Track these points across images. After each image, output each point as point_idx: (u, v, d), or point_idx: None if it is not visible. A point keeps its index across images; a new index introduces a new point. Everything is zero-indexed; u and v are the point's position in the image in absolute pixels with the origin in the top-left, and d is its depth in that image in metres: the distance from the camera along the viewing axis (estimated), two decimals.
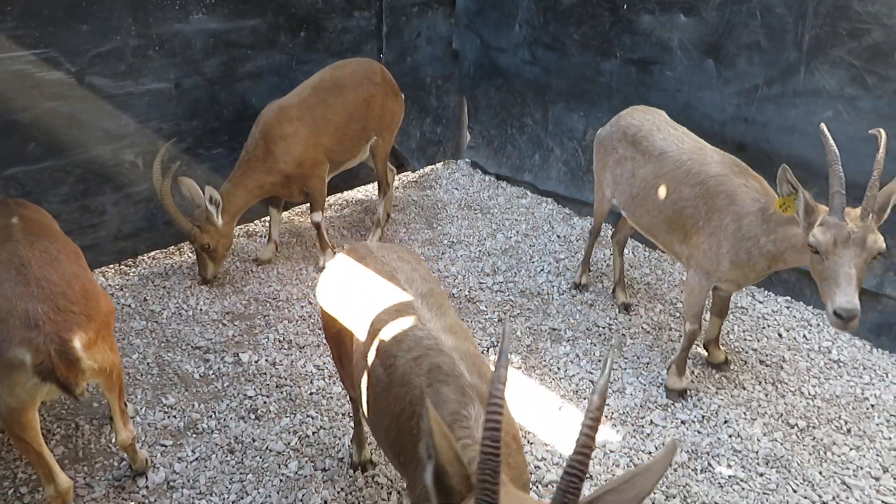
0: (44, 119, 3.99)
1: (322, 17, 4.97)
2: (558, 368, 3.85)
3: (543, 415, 3.51)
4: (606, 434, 3.40)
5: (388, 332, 2.23)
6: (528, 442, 3.33)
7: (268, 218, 4.99)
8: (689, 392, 3.66)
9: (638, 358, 3.96)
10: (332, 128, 4.53)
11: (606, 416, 3.51)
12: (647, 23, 4.66)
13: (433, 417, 1.39)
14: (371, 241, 5.03)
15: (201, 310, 4.27)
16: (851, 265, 2.73)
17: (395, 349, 2.16)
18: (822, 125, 2.91)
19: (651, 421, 3.49)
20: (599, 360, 3.92)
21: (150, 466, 3.13)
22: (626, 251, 5.05)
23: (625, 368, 3.87)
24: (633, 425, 3.47)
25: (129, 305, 4.29)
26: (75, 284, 2.67)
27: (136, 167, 4.45)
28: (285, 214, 5.50)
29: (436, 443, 1.39)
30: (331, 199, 5.78)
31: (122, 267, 4.70)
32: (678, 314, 4.35)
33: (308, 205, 5.42)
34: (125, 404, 2.95)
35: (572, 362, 3.92)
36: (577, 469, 1.32)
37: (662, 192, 3.57)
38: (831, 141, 2.78)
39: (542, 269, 4.83)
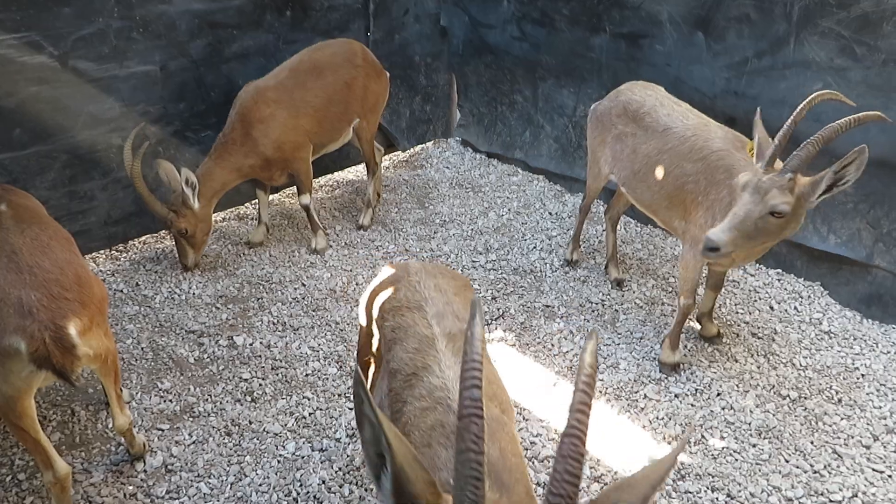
0: (28, 104, 3.94)
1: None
2: (552, 345, 3.88)
3: (538, 391, 3.54)
4: (600, 409, 3.43)
5: (401, 374, 2.04)
6: (524, 419, 3.36)
7: (256, 200, 4.96)
8: (682, 366, 3.69)
9: (631, 333, 3.98)
10: (311, 110, 4.48)
11: (600, 392, 3.54)
12: None
13: (381, 415, 1.25)
14: (363, 220, 5.02)
15: (194, 294, 4.26)
16: (743, 208, 2.83)
17: (406, 394, 1.96)
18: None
19: (644, 395, 3.52)
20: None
21: (148, 451, 3.14)
22: (618, 227, 5.06)
23: (618, 343, 3.90)
24: (626, 400, 3.50)
25: (122, 291, 4.27)
26: (68, 271, 2.65)
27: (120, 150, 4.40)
28: (276, 197, 5.47)
29: (391, 443, 1.25)
30: (321, 180, 5.75)
31: (112, 252, 4.68)
32: (671, 289, 4.37)
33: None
34: (121, 390, 2.95)
35: (566, 339, 3.94)
36: (573, 455, 1.19)
37: (665, 168, 3.57)
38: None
39: (534, 247, 4.83)
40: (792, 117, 2.91)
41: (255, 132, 4.31)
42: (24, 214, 2.97)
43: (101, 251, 4.64)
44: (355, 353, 3.63)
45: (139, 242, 4.81)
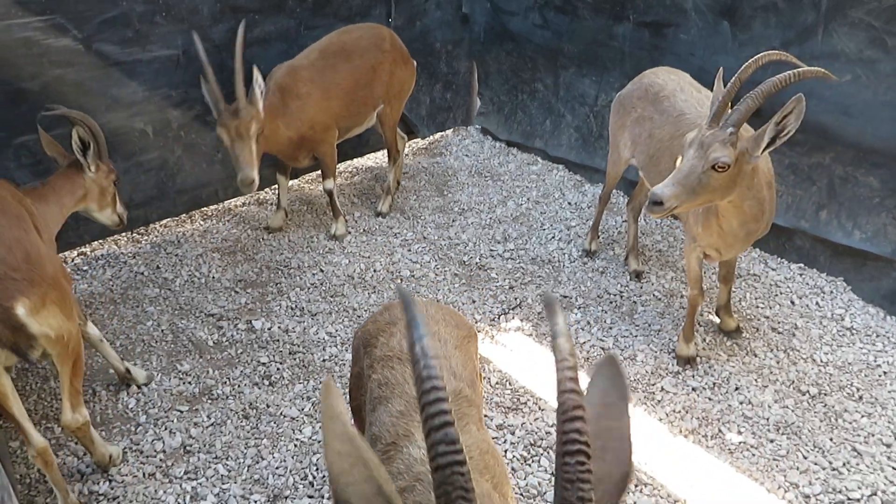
0: (52, 86, 3.97)
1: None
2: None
3: (554, 382, 3.52)
4: None
5: (381, 442, 1.78)
6: (540, 408, 3.36)
7: (276, 185, 4.98)
8: (699, 359, 3.66)
9: (649, 325, 3.96)
10: (340, 93, 4.48)
11: None
12: None
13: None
14: (382, 207, 5.02)
15: (213, 277, 4.30)
16: (687, 163, 2.84)
17: (385, 468, 1.72)
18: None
19: (662, 388, 3.50)
20: (611, 328, 3.93)
21: (116, 464, 3.00)
22: (639, 219, 5.02)
23: (636, 336, 3.87)
24: (643, 392, 3.49)
25: (143, 273, 4.32)
26: (16, 250, 2.54)
27: (146, 135, 4.43)
28: (295, 182, 5.48)
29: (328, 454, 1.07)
30: (340, 166, 5.75)
31: (134, 235, 4.72)
32: None
33: (317, 172, 5.42)
34: (80, 385, 2.78)
35: (583, 329, 3.92)
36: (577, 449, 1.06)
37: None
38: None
39: (552, 237, 4.81)
40: (737, 74, 2.92)
41: (293, 106, 4.28)
42: None
43: (123, 233, 4.68)
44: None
45: (160, 226, 4.85)
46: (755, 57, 2.91)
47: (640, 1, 4.70)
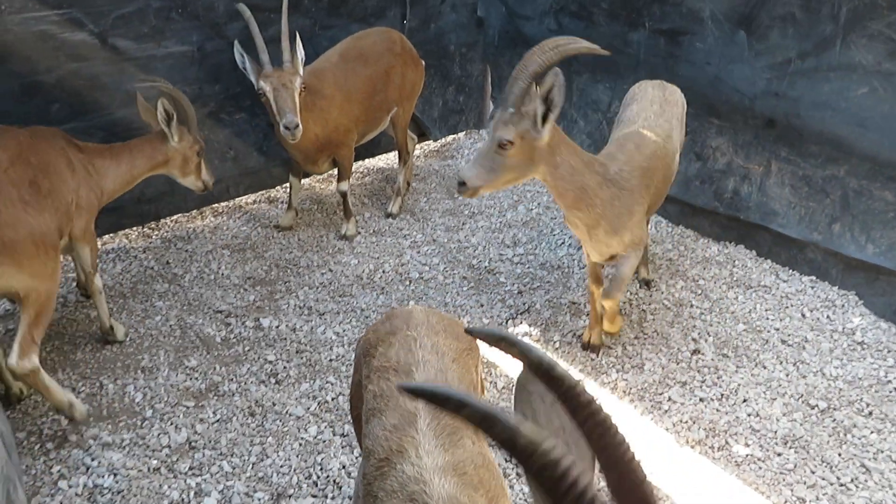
0: (67, 80, 4.00)
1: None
2: (577, 342, 3.84)
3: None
4: (623, 410, 3.40)
5: (374, 457, 1.73)
6: None
7: (288, 184, 4.98)
8: (700, 369, 3.64)
9: (657, 334, 3.94)
10: (360, 97, 4.50)
11: (623, 392, 3.51)
12: None
13: None
14: (392, 208, 5.02)
15: (223, 274, 4.30)
16: (483, 144, 3.02)
17: (378, 484, 1.64)
18: None
19: (669, 398, 3.48)
20: (619, 336, 3.91)
21: (77, 417, 3.12)
22: (650, 227, 5.01)
23: (644, 344, 3.85)
24: (650, 402, 3.46)
25: (152, 268, 4.33)
26: None
27: None
28: (306, 181, 5.49)
29: None
30: None
31: (144, 230, 4.74)
32: (700, 291, 4.31)
33: (328, 172, 5.42)
34: (34, 337, 2.93)
35: None
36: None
37: None
38: None
39: (562, 242, 4.79)
40: (522, 60, 2.88)
41: (320, 105, 4.29)
42: None
43: (134, 228, 4.70)
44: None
45: (171, 221, 4.87)
46: (542, 43, 2.91)
47: (657, 8, 4.68)
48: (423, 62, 5.02)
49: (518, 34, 5.72)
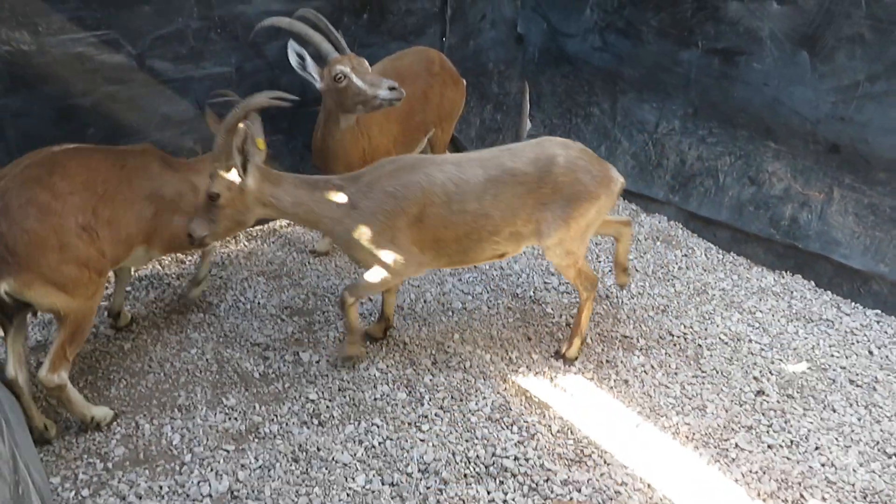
0: (103, 103, 3.88)
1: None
2: (633, 381, 3.64)
3: (619, 433, 3.31)
4: (687, 457, 3.19)
5: None
6: (606, 462, 3.14)
7: None
8: (766, 412, 3.42)
9: (717, 371, 3.73)
10: (398, 117, 4.34)
11: (686, 438, 3.30)
12: (735, 10, 4.34)
13: None
14: None
15: (259, 303, 4.15)
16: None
17: None
18: None
19: (736, 444, 3.26)
20: (676, 373, 3.70)
21: (102, 428, 3.22)
22: (699, 254, 4.81)
23: (703, 384, 3.65)
24: (715, 448, 3.25)
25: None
26: (21, 237, 2.81)
27: (196, 154, 4.31)
28: None
29: None
30: None
31: (178, 255, 4.60)
32: (758, 324, 4.10)
33: None
34: (70, 355, 3.03)
35: (647, 374, 3.70)
36: None
37: None
38: None
39: (609, 270, 4.60)
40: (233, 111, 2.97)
41: (363, 122, 4.15)
42: (34, 173, 2.99)
43: (168, 255, 4.56)
44: (426, 376, 3.44)
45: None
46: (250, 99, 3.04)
47: (711, 27, 4.49)
48: (464, 81, 4.85)
49: (560, 52, 5.55)
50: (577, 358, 3.77)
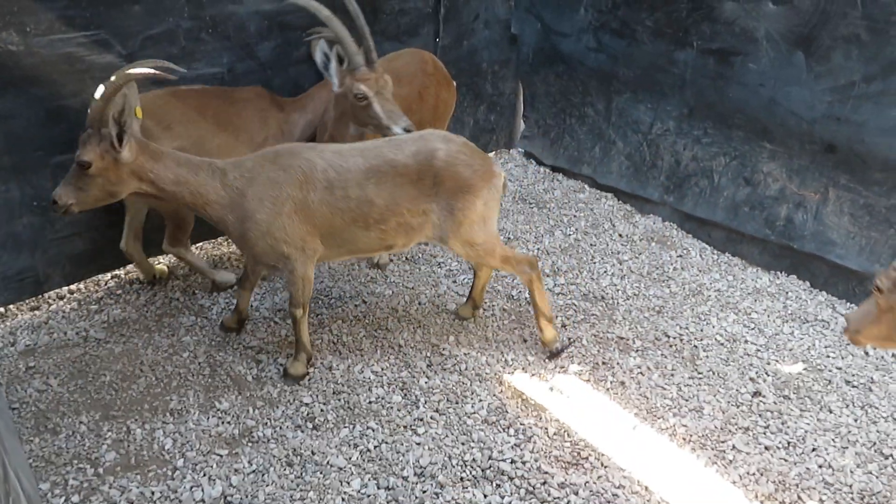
0: None
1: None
2: (629, 382, 3.62)
3: (616, 435, 3.29)
4: (684, 459, 3.17)
5: None
6: (603, 465, 3.12)
7: None
8: (763, 413, 3.41)
9: (713, 373, 3.71)
10: None
11: (683, 440, 3.28)
12: (731, 10, 4.33)
13: None
14: None
15: (252, 306, 4.10)
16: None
17: None
18: None
19: (733, 446, 3.24)
20: (672, 375, 3.68)
21: (223, 288, 4.17)
22: (694, 254, 4.80)
23: (700, 385, 3.63)
24: (713, 450, 3.23)
25: (178, 299, 4.14)
26: None
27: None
28: None
29: None
30: None
31: (169, 258, 4.55)
32: (753, 325, 4.08)
33: None
34: (181, 237, 3.98)
35: (643, 375, 3.68)
36: None
37: None
38: None
39: (604, 271, 4.58)
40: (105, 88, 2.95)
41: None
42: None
43: (158, 257, 4.51)
44: (421, 379, 3.42)
45: (196, 248, 4.67)
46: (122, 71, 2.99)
47: (707, 27, 4.48)
48: (455, 82, 4.82)
49: (554, 51, 5.52)
50: (556, 341, 3.75)
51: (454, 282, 4.43)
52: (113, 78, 2.94)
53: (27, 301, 4.06)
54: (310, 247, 3.34)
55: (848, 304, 4.26)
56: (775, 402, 3.51)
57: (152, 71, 3.01)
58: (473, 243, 3.46)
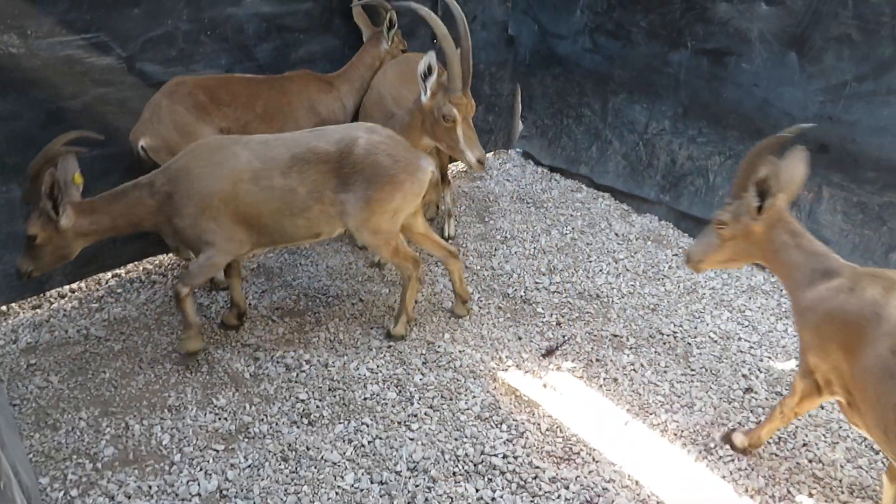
0: (94, 106, 3.88)
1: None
2: (622, 379, 3.66)
3: (608, 431, 3.33)
4: (675, 454, 3.20)
5: None
6: (594, 460, 3.15)
7: None
8: (755, 409, 3.44)
9: (706, 369, 3.74)
10: None
11: (675, 434, 3.32)
12: (724, 11, 4.36)
13: None
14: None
15: (250, 304, 4.15)
16: None
17: None
18: None
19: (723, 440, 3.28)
20: (665, 371, 3.72)
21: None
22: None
23: (692, 382, 3.66)
24: (703, 445, 3.27)
25: None
26: None
27: None
28: None
29: None
30: None
31: (169, 256, 4.60)
32: (747, 322, 4.11)
33: None
34: None
35: (636, 372, 3.72)
36: None
37: None
38: None
39: (600, 270, 4.61)
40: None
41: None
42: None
43: (157, 256, 4.57)
44: (415, 376, 3.49)
45: None
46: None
47: (700, 28, 4.51)
48: None
49: (550, 53, 5.57)
50: (404, 336, 3.86)
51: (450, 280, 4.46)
52: (36, 158, 3.12)
53: (29, 299, 4.13)
54: (237, 238, 3.44)
55: None
56: (767, 398, 3.53)
57: (65, 149, 3.21)
58: (378, 231, 3.55)
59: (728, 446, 3.23)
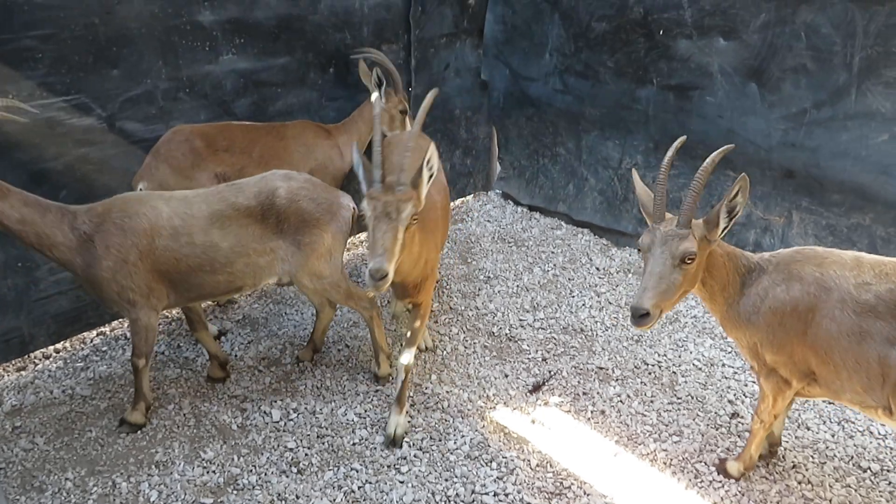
0: (75, 166, 3.93)
1: (351, 53, 4.91)
2: (609, 411, 3.67)
3: (598, 463, 3.33)
4: (664, 483, 3.21)
5: None
6: (585, 493, 3.15)
7: None
8: (742, 434, 3.46)
9: (692, 397, 3.77)
10: None
11: (663, 463, 3.33)
12: (685, 48, 4.54)
13: None
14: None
15: (236, 356, 4.15)
16: None
17: None
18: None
19: (712, 467, 3.29)
20: (652, 401, 3.74)
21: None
22: None
23: (679, 410, 3.68)
24: (692, 472, 3.28)
25: (163, 353, 4.18)
26: None
27: None
28: None
29: None
30: (361, 235, 5.68)
31: None
32: (730, 349, 4.16)
33: None
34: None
35: (623, 403, 3.74)
36: None
37: None
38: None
39: (583, 304, 4.66)
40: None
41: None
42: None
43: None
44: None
45: None
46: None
47: (664, 64, 4.68)
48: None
49: (523, 95, 5.72)
50: (389, 375, 3.89)
51: (435, 321, 4.50)
52: None
53: (13, 361, 4.10)
54: (155, 294, 3.37)
55: None
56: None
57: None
58: (321, 276, 3.55)
59: (723, 476, 3.23)
